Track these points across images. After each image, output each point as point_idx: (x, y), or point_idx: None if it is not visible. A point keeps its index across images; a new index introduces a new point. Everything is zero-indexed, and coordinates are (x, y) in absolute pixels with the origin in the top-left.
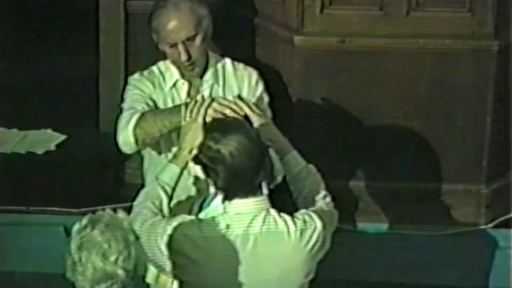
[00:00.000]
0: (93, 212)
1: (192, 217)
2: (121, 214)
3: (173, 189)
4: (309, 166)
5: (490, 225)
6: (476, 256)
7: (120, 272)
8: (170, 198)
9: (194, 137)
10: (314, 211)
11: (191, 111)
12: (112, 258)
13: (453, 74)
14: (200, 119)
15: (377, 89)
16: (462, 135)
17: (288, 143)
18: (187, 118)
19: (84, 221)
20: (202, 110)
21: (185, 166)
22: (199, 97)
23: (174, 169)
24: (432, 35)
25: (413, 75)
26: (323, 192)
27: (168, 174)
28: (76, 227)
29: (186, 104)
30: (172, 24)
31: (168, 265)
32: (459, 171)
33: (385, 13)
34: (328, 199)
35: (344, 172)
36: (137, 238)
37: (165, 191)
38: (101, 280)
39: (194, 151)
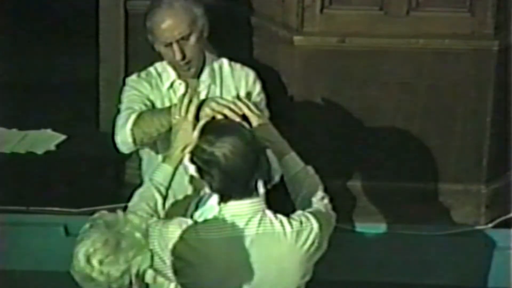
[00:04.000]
0: (93, 212)
1: (188, 219)
2: (133, 217)
3: (167, 189)
4: (308, 167)
5: (490, 225)
6: (476, 256)
7: (100, 276)
8: (165, 198)
9: (185, 136)
10: (311, 212)
11: (180, 110)
12: (95, 260)
13: (453, 74)
14: (190, 118)
15: (377, 89)
16: (462, 135)
17: (287, 144)
18: (177, 117)
19: (92, 218)
20: (192, 109)
21: (178, 166)
22: (187, 97)
23: (167, 169)
24: (432, 35)
25: (413, 75)
26: (321, 194)
27: (161, 174)
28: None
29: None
30: (166, 23)
31: (168, 270)
32: (459, 171)
33: (385, 13)
34: (326, 200)
35: (343, 172)
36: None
37: (159, 192)
38: (84, 279)
39: (187, 150)
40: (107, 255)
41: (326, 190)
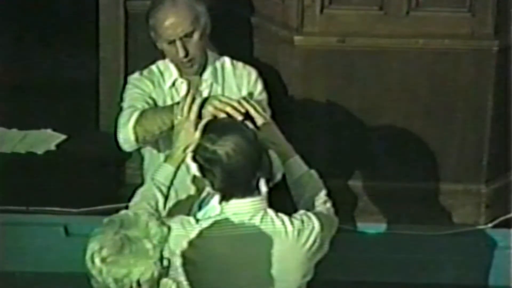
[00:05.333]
0: (94, 212)
1: (190, 218)
2: (153, 225)
3: (169, 189)
4: (311, 171)
5: (490, 225)
6: (476, 256)
7: (99, 275)
8: (166, 198)
9: (187, 136)
10: (313, 212)
11: (182, 109)
12: (97, 258)
13: (453, 74)
14: (192, 117)
15: (377, 89)
16: (462, 135)
17: (291, 148)
18: (179, 117)
19: (113, 216)
20: (194, 108)
21: (179, 165)
22: (190, 95)
23: (169, 168)
24: (432, 35)
25: (413, 75)
26: (323, 198)
27: (163, 174)
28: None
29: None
30: (169, 21)
31: (178, 269)
32: (459, 171)
33: (385, 13)
34: (328, 204)
35: (344, 171)
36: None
37: (161, 191)
38: (88, 273)
39: (189, 150)
40: (109, 255)
41: (329, 194)
